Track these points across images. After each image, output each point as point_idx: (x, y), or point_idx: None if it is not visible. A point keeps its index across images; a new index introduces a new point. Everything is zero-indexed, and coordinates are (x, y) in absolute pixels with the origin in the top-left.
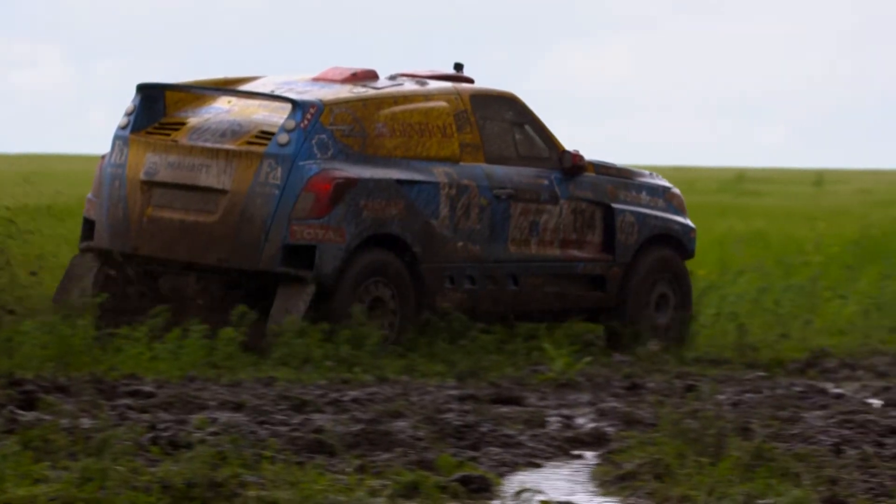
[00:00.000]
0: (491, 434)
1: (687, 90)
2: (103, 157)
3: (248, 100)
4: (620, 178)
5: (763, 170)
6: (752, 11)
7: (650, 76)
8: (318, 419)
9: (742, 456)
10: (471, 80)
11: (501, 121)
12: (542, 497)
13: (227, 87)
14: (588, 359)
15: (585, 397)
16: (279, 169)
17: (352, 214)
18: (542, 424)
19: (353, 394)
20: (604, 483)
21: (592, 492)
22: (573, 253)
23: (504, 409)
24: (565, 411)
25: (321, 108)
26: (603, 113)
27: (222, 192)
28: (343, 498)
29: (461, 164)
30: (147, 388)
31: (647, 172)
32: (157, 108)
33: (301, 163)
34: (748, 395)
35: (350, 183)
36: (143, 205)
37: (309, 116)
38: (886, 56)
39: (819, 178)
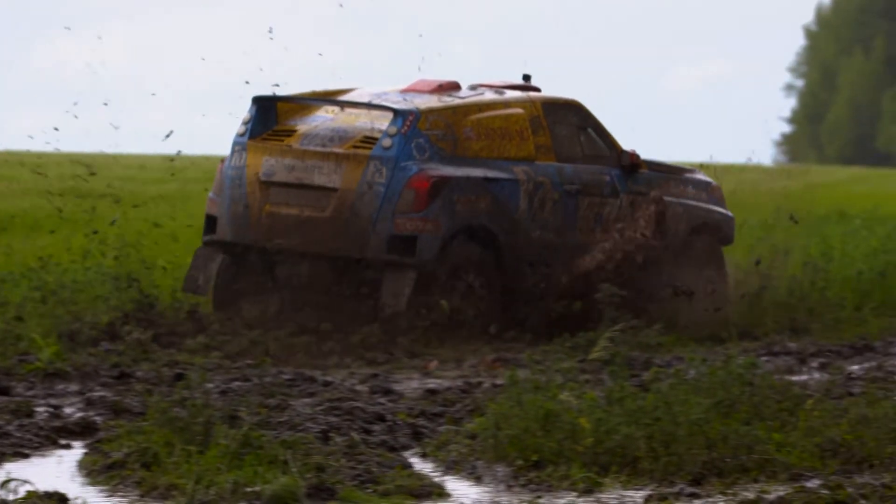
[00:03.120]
0: None
1: (177, 79)
2: (223, 160)
3: (349, 109)
4: (670, 174)
5: None
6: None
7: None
8: None
9: (230, 444)
10: (538, 90)
11: (569, 125)
12: (28, 487)
13: (329, 98)
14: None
15: (74, 387)
16: (384, 169)
17: (447, 208)
18: (30, 414)
19: None
20: (91, 472)
21: (80, 481)
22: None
23: None
24: (53, 401)
25: (418, 115)
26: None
27: (333, 190)
28: None
29: (536, 163)
30: None
31: (692, 168)
32: (269, 117)
33: (403, 163)
34: (237, 383)
35: (445, 181)
36: (262, 202)
37: (408, 123)
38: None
39: None
